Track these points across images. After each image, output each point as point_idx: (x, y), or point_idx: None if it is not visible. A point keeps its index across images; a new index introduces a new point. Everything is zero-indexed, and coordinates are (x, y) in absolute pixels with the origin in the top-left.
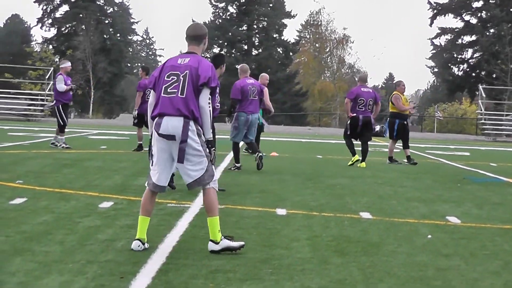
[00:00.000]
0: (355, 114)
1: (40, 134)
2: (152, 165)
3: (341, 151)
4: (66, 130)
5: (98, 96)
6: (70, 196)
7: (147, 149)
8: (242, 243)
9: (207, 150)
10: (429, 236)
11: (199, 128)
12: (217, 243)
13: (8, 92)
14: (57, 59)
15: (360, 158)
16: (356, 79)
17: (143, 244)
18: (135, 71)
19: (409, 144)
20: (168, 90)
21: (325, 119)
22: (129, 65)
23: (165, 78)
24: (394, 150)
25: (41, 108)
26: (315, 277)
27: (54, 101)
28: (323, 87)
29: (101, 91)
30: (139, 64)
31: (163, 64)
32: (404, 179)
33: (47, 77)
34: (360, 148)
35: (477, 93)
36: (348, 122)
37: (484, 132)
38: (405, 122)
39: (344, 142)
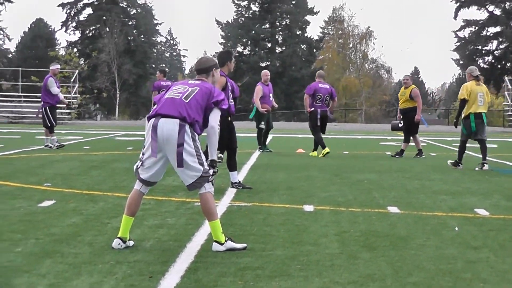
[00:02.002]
0: (313, 109)
1: (67, 137)
2: (143, 165)
3: (367, 146)
4: (55, 130)
5: (123, 97)
6: (98, 197)
7: None
8: (245, 245)
9: (202, 156)
10: (456, 229)
11: (194, 133)
12: (221, 244)
13: (34, 96)
14: (82, 62)
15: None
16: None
17: (124, 242)
18: None
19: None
20: (173, 94)
21: (351, 114)
22: (153, 66)
23: (173, 88)
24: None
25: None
26: (344, 273)
27: (42, 102)
28: (347, 83)
29: (126, 93)
30: (164, 65)
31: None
32: (432, 172)
33: (72, 80)
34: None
35: (503, 84)
36: (309, 116)
37: (511, 124)
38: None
39: (314, 136)
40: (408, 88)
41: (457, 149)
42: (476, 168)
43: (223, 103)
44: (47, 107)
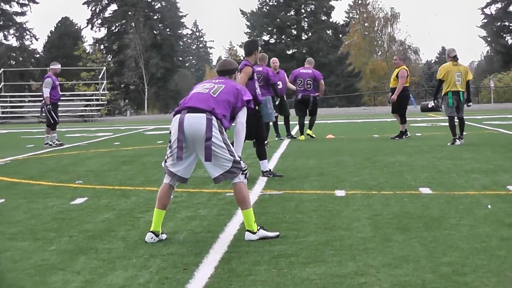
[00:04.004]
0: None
1: (97, 134)
2: (173, 160)
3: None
4: (57, 128)
5: (152, 92)
6: (130, 192)
7: None
8: (278, 233)
9: (231, 147)
10: (489, 207)
11: (222, 126)
12: (254, 233)
13: (63, 95)
14: (109, 59)
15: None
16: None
17: (157, 236)
18: (187, 64)
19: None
20: (200, 90)
21: (380, 98)
22: (181, 59)
23: (198, 85)
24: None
25: (96, 108)
26: (378, 256)
27: (43, 101)
28: (375, 66)
29: (155, 87)
30: (191, 58)
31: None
32: (463, 152)
33: (100, 76)
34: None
35: None
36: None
37: None
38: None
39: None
40: (398, 68)
41: (488, 127)
42: (448, 144)
43: (250, 102)
44: (49, 105)
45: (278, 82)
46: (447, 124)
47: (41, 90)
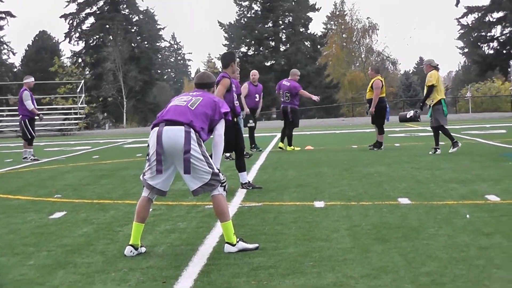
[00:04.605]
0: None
1: (76, 148)
2: (152, 173)
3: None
4: (34, 143)
5: (131, 105)
6: (109, 206)
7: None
8: (257, 244)
9: (210, 159)
10: (468, 216)
11: (200, 139)
12: (233, 245)
13: (41, 109)
14: (87, 72)
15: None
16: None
17: (136, 249)
18: (165, 77)
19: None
20: (178, 102)
21: (358, 108)
22: (159, 71)
23: (176, 98)
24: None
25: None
26: (357, 266)
27: (20, 116)
28: (353, 77)
29: (133, 100)
30: (169, 70)
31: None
32: (442, 162)
33: (78, 90)
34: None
35: (509, 70)
36: None
37: None
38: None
39: None
40: (373, 79)
41: (466, 137)
42: (430, 152)
43: (228, 114)
44: (26, 120)
45: (256, 95)
46: (432, 134)
47: (19, 104)
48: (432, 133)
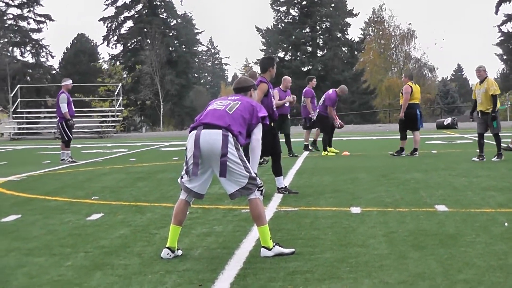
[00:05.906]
0: None
1: (113, 150)
2: (189, 176)
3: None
4: (71, 145)
5: (167, 108)
6: (146, 208)
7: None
8: (293, 249)
9: (247, 163)
10: (506, 224)
11: (238, 143)
12: (269, 249)
13: (80, 111)
14: (125, 75)
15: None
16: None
17: (173, 252)
18: (202, 81)
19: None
20: (216, 106)
21: (395, 115)
22: (196, 75)
23: (214, 102)
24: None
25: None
26: (394, 273)
27: (58, 118)
28: (390, 83)
29: (170, 104)
30: (206, 75)
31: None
32: (479, 169)
33: (116, 93)
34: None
35: None
36: None
37: None
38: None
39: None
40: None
41: (503, 145)
42: (497, 159)
43: (266, 119)
44: (63, 122)
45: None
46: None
47: (56, 107)
48: (476, 139)
